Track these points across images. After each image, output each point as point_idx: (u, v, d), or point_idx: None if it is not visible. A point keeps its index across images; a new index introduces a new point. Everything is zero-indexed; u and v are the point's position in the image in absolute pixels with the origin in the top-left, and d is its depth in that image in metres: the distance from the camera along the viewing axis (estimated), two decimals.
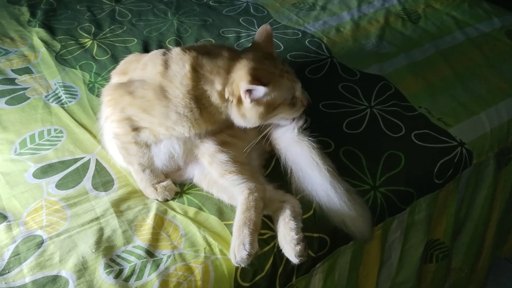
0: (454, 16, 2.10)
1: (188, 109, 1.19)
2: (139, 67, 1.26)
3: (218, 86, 1.19)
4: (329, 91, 1.64)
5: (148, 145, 1.26)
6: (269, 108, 1.21)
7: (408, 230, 1.45)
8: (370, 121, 1.52)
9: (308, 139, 1.26)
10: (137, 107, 1.21)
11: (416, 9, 2.14)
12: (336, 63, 1.78)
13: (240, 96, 1.19)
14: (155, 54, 1.26)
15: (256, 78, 1.16)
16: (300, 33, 1.96)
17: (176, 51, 1.23)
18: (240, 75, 1.18)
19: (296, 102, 1.26)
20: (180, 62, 1.20)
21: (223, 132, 1.28)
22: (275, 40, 1.90)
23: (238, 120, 1.23)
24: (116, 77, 1.34)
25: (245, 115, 1.21)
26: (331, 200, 1.21)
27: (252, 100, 1.18)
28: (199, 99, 1.20)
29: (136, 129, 1.23)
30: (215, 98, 1.20)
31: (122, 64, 1.37)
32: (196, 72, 1.19)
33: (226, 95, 1.20)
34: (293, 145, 1.27)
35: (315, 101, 1.55)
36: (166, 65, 1.20)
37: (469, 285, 1.84)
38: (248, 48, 1.32)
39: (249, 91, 1.17)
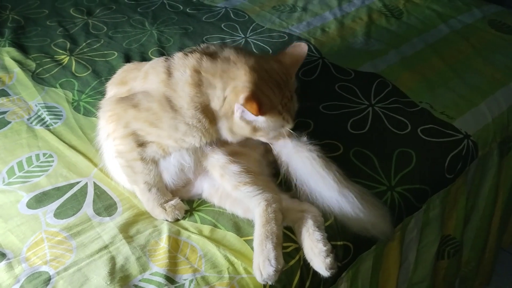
0: (435, 9, 2.09)
1: (196, 120, 1.10)
2: (140, 76, 1.16)
3: (219, 92, 1.09)
4: (327, 92, 1.59)
5: (155, 160, 1.17)
6: (254, 131, 1.12)
7: (423, 229, 1.41)
8: (374, 120, 1.48)
9: (308, 149, 1.18)
10: (143, 121, 1.12)
11: (396, 4, 2.13)
12: (328, 63, 1.73)
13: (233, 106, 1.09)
14: (157, 62, 1.17)
15: (256, 99, 1.04)
16: (286, 36, 1.90)
17: (178, 56, 1.13)
18: (243, 87, 1.06)
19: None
20: (181, 67, 1.10)
21: None
22: (261, 44, 1.85)
23: (225, 132, 1.13)
24: (114, 88, 1.24)
25: (232, 129, 1.12)
26: (345, 210, 1.13)
27: (241, 117, 1.09)
28: (205, 106, 1.10)
29: (141, 144, 1.14)
30: (214, 104, 1.10)
31: (120, 73, 1.27)
32: (199, 75, 1.09)
33: (220, 102, 1.09)
34: (293, 158, 1.19)
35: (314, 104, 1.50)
36: (168, 72, 1.11)
37: (476, 278, 1.82)
38: (271, 56, 1.21)
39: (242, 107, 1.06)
